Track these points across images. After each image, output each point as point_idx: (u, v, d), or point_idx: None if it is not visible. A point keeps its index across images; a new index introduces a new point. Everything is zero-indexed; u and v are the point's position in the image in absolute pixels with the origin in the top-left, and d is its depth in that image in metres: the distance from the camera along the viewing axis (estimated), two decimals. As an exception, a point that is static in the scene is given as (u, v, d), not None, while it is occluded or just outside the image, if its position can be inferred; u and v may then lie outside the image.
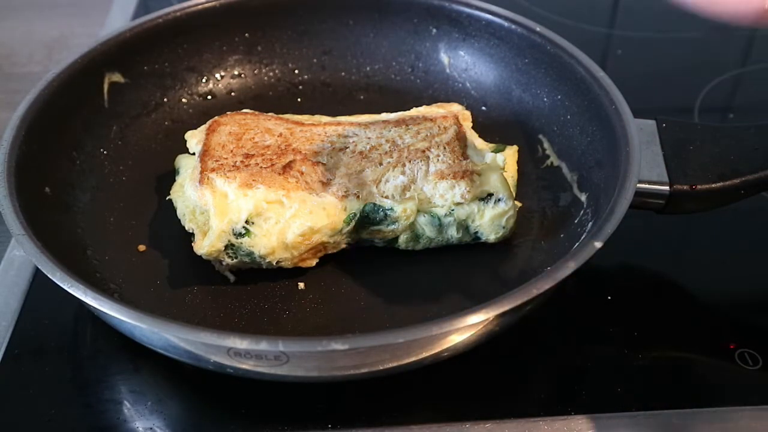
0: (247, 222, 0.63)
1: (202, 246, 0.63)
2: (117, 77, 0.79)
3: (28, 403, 0.60)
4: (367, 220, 0.67)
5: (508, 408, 0.60)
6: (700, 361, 0.66)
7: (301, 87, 0.89)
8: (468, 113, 0.76)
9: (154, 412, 0.60)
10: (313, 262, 0.67)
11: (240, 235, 0.63)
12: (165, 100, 0.83)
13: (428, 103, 0.79)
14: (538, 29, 0.80)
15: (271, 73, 0.89)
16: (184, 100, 0.85)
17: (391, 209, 0.66)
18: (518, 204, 0.70)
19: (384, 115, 0.76)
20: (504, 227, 0.68)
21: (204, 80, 0.86)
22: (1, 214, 0.60)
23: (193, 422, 0.60)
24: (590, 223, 0.66)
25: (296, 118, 0.75)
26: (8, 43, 1.11)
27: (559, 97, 0.78)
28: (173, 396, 0.62)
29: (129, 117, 0.80)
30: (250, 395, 0.60)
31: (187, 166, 0.71)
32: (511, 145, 0.75)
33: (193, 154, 0.71)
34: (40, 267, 0.56)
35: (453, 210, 0.67)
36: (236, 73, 0.88)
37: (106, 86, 0.78)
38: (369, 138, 0.71)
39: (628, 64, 1.05)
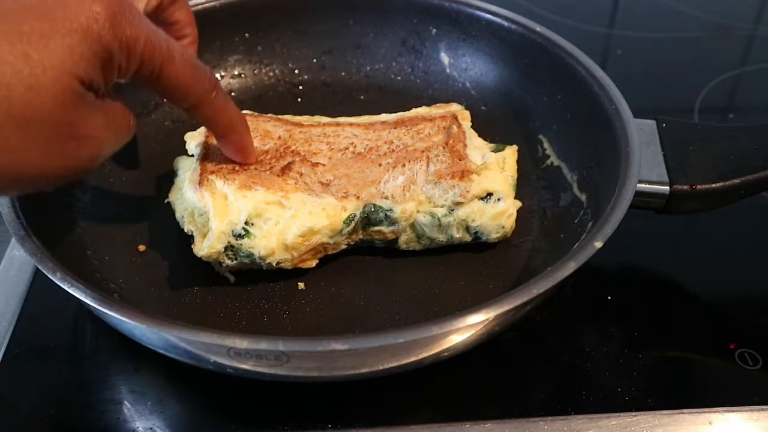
0: (246, 223, 0.63)
1: (202, 248, 0.63)
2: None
3: (28, 403, 0.60)
4: (367, 221, 0.67)
5: (508, 408, 0.60)
6: (700, 361, 0.66)
7: (301, 87, 0.89)
8: (467, 113, 0.76)
9: (154, 412, 0.60)
10: (313, 263, 0.67)
11: (239, 236, 0.63)
12: (165, 100, 0.83)
13: (428, 103, 0.79)
14: (538, 29, 0.80)
15: (271, 73, 0.89)
16: (184, 100, 0.85)
17: (391, 210, 0.66)
18: (518, 203, 0.70)
19: (383, 116, 0.76)
20: (504, 226, 0.68)
21: (204, 80, 0.86)
22: (1, 214, 0.60)
23: (193, 422, 0.60)
24: (590, 223, 0.66)
25: (295, 120, 0.75)
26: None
27: (559, 97, 0.78)
28: (173, 396, 0.62)
29: (129, 117, 0.80)
30: (250, 395, 0.60)
31: (185, 168, 0.71)
32: (511, 144, 0.75)
33: (192, 155, 0.71)
34: (40, 267, 0.56)
35: (453, 210, 0.67)
36: (236, 73, 0.88)
37: (106, 86, 0.78)
38: (368, 139, 0.71)
39: (628, 64, 1.06)
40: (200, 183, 0.65)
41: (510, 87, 0.84)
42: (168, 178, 0.72)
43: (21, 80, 0.42)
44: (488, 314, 0.52)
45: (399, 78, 0.89)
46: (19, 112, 0.42)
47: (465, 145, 0.71)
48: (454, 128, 0.72)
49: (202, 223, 0.64)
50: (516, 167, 0.73)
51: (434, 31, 0.87)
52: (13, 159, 0.44)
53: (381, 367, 0.56)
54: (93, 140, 0.48)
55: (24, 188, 0.47)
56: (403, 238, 0.69)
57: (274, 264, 0.64)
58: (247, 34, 0.87)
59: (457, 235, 0.68)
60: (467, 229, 0.68)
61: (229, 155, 0.66)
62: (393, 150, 0.70)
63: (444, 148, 0.70)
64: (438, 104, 0.79)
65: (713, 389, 0.63)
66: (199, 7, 0.83)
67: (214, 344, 0.51)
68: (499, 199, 0.68)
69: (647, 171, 0.66)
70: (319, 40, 0.89)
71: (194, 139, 0.71)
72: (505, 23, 0.83)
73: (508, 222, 0.69)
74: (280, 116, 0.75)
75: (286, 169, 0.67)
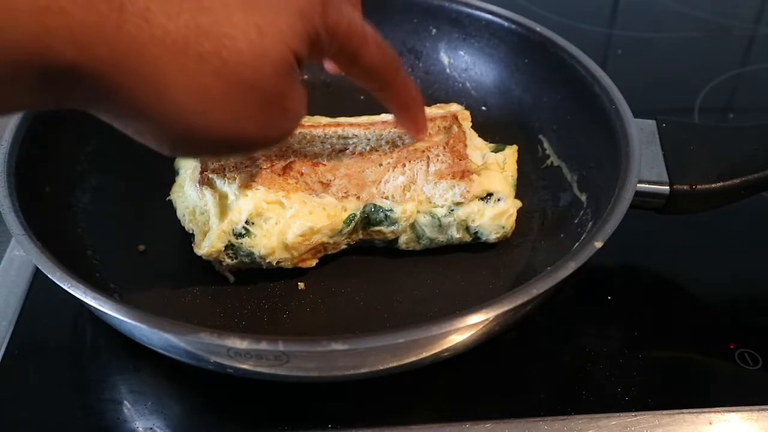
0: (247, 222, 0.63)
1: (202, 246, 0.63)
2: (117, 77, 0.79)
3: (28, 403, 0.60)
4: (367, 221, 0.67)
5: (508, 408, 0.60)
6: (700, 361, 0.66)
7: (301, 87, 0.89)
8: (467, 113, 0.76)
9: (154, 412, 0.60)
10: (313, 263, 0.67)
11: (240, 235, 0.63)
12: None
13: (428, 104, 0.79)
14: (538, 29, 0.80)
15: (271, 73, 0.89)
16: (184, 100, 0.85)
17: (391, 210, 0.66)
18: (518, 203, 0.70)
19: (383, 116, 0.76)
20: (504, 227, 0.68)
21: (204, 80, 0.86)
22: (1, 214, 0.60)
23: (193, 422, 0.60)
24: (590, 223, 0.66)
25: (296, 119, 0.75)
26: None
27: (559, 97, 0.78)
28: (173, 396, 0.62)
29: (129, 117, 0.80)
30: (250, 395, 0.60)
31: (187, 166, 0.71)
32: (511, 144, 0.75)
33: (193, 154, 0.71)
34: (40, 267, 0.56)
35: (453, 210, 0.67)
36: (236, 73, 0.88)
37: (106, 86, 0.78)
38: (368, 139, 0.71)
39: (628, 64, 1.06)
40: (201, 181, 0.65)
41: (510, 87, 0.84)
42: (169, 177, 0.72)
43: (252, 48, 0.44)
44: (488, 314, 0.52)
45: (399, 78, 0.89)
46: (246, 78, 0.45)
47: (465, 145, 0.71)
48: (455, 128, 0.72)
49: (203, 222, 0.64)
50: (516, 167, 0.73)
51: (434, 31, 0.87)
52: (231, 121, 0.46)
53: (381, 367, 0.56)
54: (293, 113, 0.50)
55: (225, 152, 0.50)
56: (403, 239, 0.69)
57: (274, 263, 0.64)
58: (247, 34, 0.87)
59: (457, 236, 0.68)
60: (467, 229, 0.68)
61: (404, 128, 0.69)
62: (393, 150, 0.70)
63: (444, 148, 0.70)
64: (438, 104, 0.79)
65: (713, 389, 0.63)
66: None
67: (214, 344, 0.51)
68: (499, 199, 0.68)
69: (647, 171, 0.66)
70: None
71: (194, 139, 0.71)
72: (505, 23, 0.83)
73: (508, 222, 0.69)
74: (280, 116, 0.75)
75: (287, 169, 0.67)
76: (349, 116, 0.76)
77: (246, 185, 0.64)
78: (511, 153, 0.73)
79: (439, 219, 0.67)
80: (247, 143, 0.49)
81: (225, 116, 0.46)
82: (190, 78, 0.43)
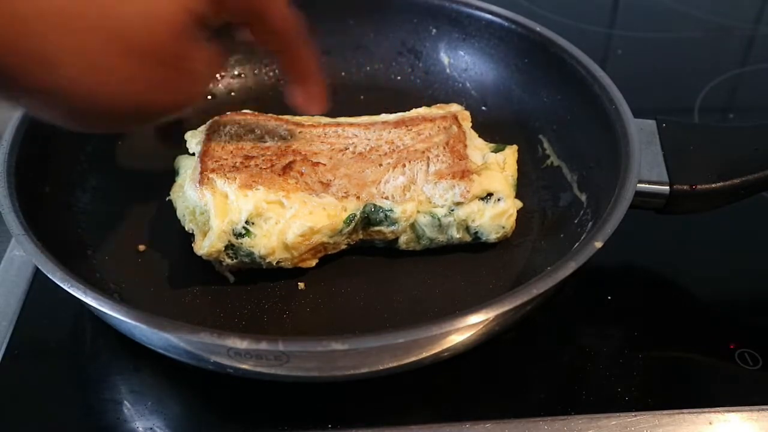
0: (247, 222, 0.63)
1: (202, 246, 0.63)
2: (117, 77, 0.79)
3: (28, 403, 0.60)
4: (367, 221, 0.67)
5: (508, 408, 0.60)
6: (700, 361, 0.66)
7: (301, 87, 0.89)
8: (467, 113, 0.76)
9: (154, 412, 0.60)
10: (313, 263, 0.67)
11: (240, 235, 0.63)
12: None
13: (428, 104, 0.79)
14: (538, 29, 0.80)
15: (271, 73, 0.89)
16: (184, 100, 0.85)
17: (391, 210, 0.66)
18: (518, 203, 0.70)
19: (383, 116, 0.76)
20: (504, 227, 0.68)
21: (204, 80, 0.86)
22: (1, 213, 0.60)
23: (193, 422, 0.60)
24: (590, 223, 0.66)
25: (296, 119, 0.75)
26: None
27: (559, 97, 0.78)
28: (173, 396, 0.62)
29: (129, 117, 0.80)
30: (250, 395, 0.60)
31: (186, 166, 0.71)
32: (511, 144, 0.75)
33: (193, 154, 0.71)
34: (40, 267, 0.56)
35: (453, 210, 0.67)
36: (236, 73, 0.88)
37: (106, 86, 0.78)
38: (369, 139, 0.71)
39: (628, 64, 1.06)
40: (201, 182, 0.65)
41: (510, 87, 0.84)
42: (168, 177, 0.72)
43: (141, 12, 0.43)
44: (488, 314, 0.52)
45: (399, 78, 0.89)
46: (139, 43, 0.43)
47: (465, 146, 0.71)
48: (455, 128, 0.72)
49: (203, 222, 0.64)
50: (516, 167, 0.73)
51: (434, 31, 0.88)
52: (131, 89, 0.45)
53: (381, 367, 0.56)
54: (198, 74, 0.49)
55: (134, 122, 0.48)
56: (403, 239, 0.69)
57: (274, 263, 0.64)
58: (247, 34, 0.87)
59: (457, 236, 0.68)
60: (467, 229, 0.68)
61: (300, 104, 0.64)
62: (393, 150, 0.70)
63: (444, 148, 0.70)
64: (438, 104, 0.79)
65: (713, 389, 0.63)
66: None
67: (214, 344, 0.51)
68: (499, 199, 0.68)
69: (647, 171, 0.66)
70: (319, 40, 0.89)
71: (195, 138, 0.72)
72: (505, 23, 0.83)
73: (509, 222, 0.69)
74: (280, 116, 0.75)
75: (287, 169, 0.67)
76: (349, 116, 0.76)
77: (246, 185, 0.64)
78: (511, 153, 0.73)
79: (439, 219, 0.67)
80: (155, 110, 0.48)
81: (124, 85, 0.44)
82: (80, 50, 0.41)
